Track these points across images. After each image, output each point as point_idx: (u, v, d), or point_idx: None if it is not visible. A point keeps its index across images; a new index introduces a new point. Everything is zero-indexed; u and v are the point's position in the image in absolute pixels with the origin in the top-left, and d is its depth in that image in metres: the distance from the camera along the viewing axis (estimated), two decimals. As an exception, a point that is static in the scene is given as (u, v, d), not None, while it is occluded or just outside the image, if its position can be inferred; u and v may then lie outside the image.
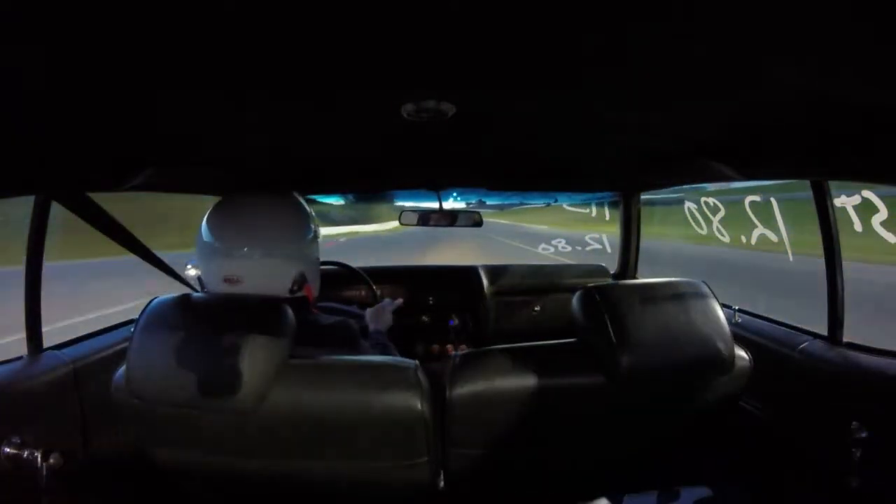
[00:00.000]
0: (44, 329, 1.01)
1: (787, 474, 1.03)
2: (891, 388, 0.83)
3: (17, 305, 1.01)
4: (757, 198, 1.66)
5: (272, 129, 0.84)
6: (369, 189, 1.71)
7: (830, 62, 0.47)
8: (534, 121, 0.82)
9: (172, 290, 0.93)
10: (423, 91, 0.63)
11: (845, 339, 1.00)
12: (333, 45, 0.46)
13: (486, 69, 0.55)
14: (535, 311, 1.86)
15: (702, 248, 6.97)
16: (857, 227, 1.06)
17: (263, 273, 0.93)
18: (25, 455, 0.80)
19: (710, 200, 1.80)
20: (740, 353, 0.89)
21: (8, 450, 0.79)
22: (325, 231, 1.14)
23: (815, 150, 0.74)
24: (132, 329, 0.82)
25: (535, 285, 1.89)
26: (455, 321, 1.84)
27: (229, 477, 0.90)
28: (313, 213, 1.03)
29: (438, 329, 1.84)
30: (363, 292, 1.75)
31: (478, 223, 1.76)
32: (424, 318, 1.84)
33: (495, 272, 1.89)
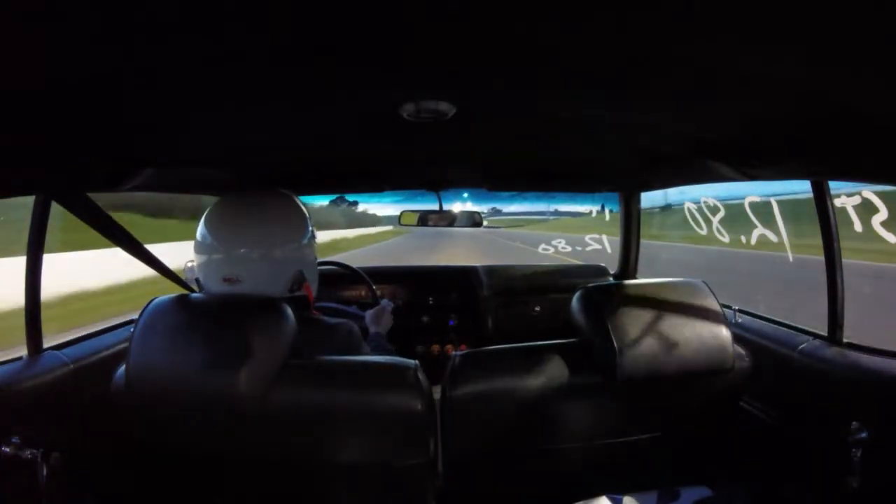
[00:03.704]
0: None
1: (787, 474, 1.03)
2: (891, 388, 0.83)
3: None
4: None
5: (272, 130, 0.84)
6: (369, 189, 1.71)
7: (831, 62, 0.47)
8: (534, 121, 0.82)
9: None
10: (422, 91, 0.63)
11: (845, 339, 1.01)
12: (333, 46, 0.46)
13: (485, 69, 0.55)
14: (535, 311, 1.86)
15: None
16: (858, 227, 1.06)
17: (262, 273, 0.93)
18: (25, 455, 0.80)
19: (710, 201, 1.79)
20: (740, 353, 0.89)
21: (8, 450, 0.79)
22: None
23: (815, 150, 0.74)
24: (132, 329, 0.82)
25: (535, 285, 1.89)
26: (455, 321, 1.84)
27: (229, 476, 0.90)
28: (309, 214, 1.03)
29: (438, 329, 1.84)
30: (363, 292, 1.75)
31: (477, 223, 1.76)
32: (424, 318, 1.84)
33: (495, 272, 1.89)
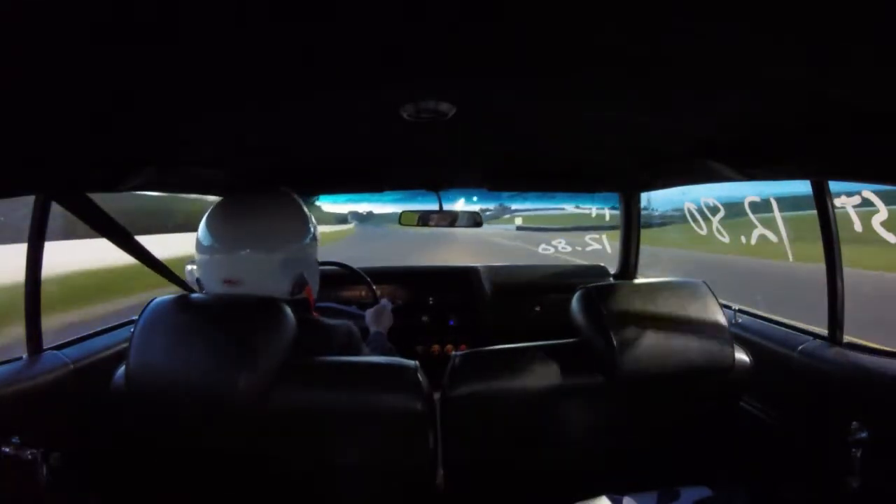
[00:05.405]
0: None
1: (788, 474, 1.03)
2: (891, 388, 0.83)
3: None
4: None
5: (272, 130, 0.84)
6: (369, 189, 1.72)
7: (831, 62, 0.47)
8: (534, 121, 0.82)
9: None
10: (422, 91, 0.63)
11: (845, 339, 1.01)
12: (333, 47, 0.46)
13: (485, 69, 0.55)
14: (535, 311, 1.86)
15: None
16: (858, 226, 1.06)
17: (263, 274, 0.93)
18: (25, 455, 0.80)
19: (710, 200, 1.80)
20: (740, 353, 0.89)
21: (8, 450, 0.79)
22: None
23: (815, 150, 0.74)
24: (132, 329, 0.82)
25: (535, 285, 1.89)
26: (455, 321, 1.85)
27: (229, 477, 0.90)
28: (311, 215, 1.03)
29: (438, 329, 1.84)
30: (363, 292, 1.75)
31: (478, 223, 1.76)
32: (424, 318, 1.84)
33: (495, 272, 1.89)
